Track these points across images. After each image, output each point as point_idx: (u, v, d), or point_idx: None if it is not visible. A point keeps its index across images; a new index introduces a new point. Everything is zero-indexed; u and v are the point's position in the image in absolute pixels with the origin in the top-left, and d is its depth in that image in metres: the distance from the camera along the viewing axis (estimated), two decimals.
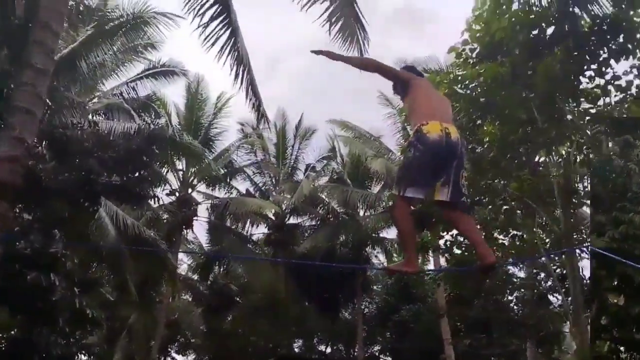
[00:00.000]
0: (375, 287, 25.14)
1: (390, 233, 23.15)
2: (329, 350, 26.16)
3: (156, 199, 11.85)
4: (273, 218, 23.31)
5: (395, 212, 3.17)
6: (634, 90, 9.11)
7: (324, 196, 22.97)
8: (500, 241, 12.12)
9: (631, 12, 8.80)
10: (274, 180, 24.33)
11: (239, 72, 9.38)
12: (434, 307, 18.26)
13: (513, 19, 9.09)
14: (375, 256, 24.29)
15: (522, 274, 14.09)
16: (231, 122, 29.08)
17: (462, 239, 11.48)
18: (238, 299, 24.63)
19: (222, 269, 24.09)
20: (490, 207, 10.29)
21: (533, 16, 9.07)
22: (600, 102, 9.56)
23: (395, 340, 22.09)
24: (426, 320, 20.11)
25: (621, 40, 8.90)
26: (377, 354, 24.62)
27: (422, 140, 3.02)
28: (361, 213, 22.12)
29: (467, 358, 14.34)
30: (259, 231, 24.39)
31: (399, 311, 21.82)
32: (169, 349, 25.09)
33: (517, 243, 11.85)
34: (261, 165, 24.10)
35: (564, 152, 10.19)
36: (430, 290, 20.79)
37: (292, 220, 24.07)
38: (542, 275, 11.60)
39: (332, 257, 21.45)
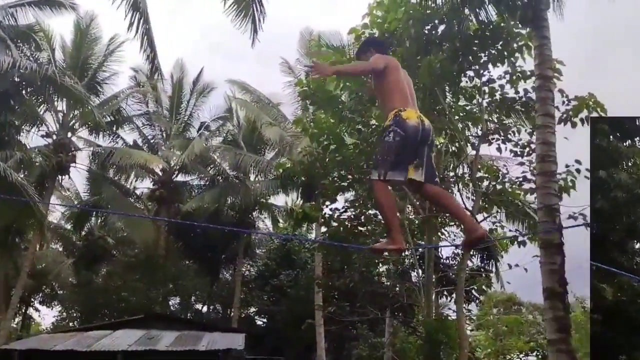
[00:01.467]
0: (258, 251, 25.56)
1: (279, 200, 23.60)
2: (205, 309, 26.31)
3: (27, 142, 10.92)
4: (160, 173, 22.60)
5: (378, 195, 3.31)
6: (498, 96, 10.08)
7: (215, 156, 22.66)
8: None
9: (512, 23, 9.61)
10: (164, 135, 23.45)
11: (134, 19, 8.84)
12: (311, 275, 19.05)
13: (411, 11, 9.50)
14: (262, 221, 24.72)
15: None
16: (124, 68, 27.41)
17: (340, 213, 12.12)
18: (114, 253, 23.77)
19: (99, 221, 23.00)
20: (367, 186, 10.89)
21: (429, 11, 9.56)
22: (475, 102, 10.48)
23: (271, 304, 22.78)
24: (302, 286, 20.97)
25: (499, 47, 9.75)
26: (252, 315, 25.23)
27: (403, 125, 3.27)
28: (252, 177, 22.16)
29: (331, 324, 15.37)
30: (144, 185, 23.58)
31: (279, 276, 22.49)
32: (32, 299, 23.68)
33: None
34: (152, 117, 23.06)
35: (437, 143, 11.00)
36: (311, 258, 21.63)
37: (180, 178, 23.57)
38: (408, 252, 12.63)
39: (218, 219, 21.39)
